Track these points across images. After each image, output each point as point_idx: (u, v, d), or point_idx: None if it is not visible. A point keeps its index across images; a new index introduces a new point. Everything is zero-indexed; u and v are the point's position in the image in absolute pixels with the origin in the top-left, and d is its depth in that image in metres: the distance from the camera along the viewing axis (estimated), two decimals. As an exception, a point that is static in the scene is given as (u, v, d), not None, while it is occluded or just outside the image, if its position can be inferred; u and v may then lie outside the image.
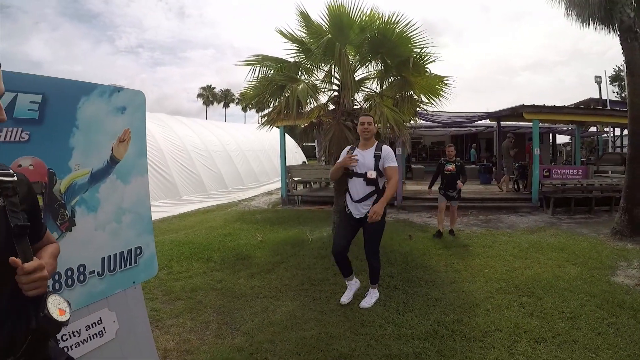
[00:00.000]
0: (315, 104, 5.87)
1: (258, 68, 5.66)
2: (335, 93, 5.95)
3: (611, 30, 6.73)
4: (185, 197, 10.27)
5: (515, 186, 10.59)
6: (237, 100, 51.38)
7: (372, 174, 3.36)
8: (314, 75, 6.12)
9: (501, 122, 12.86)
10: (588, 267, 4.52)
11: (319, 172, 11.57)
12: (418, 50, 5.38)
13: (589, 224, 7.35)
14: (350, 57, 5.69)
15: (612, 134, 20.66)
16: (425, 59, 5.40)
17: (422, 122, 10.97)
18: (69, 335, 1.78)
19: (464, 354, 2.69)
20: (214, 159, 12.33)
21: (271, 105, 6.08)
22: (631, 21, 6.07)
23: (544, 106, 9.26)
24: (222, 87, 57.74)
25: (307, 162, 18.68)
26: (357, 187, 3.44)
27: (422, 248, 5.49)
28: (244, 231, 6.74)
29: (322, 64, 5.94)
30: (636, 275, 4.28)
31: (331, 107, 6.07)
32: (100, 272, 1.95)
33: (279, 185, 11.91)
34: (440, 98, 5.72)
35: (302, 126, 7.18)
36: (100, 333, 1.92)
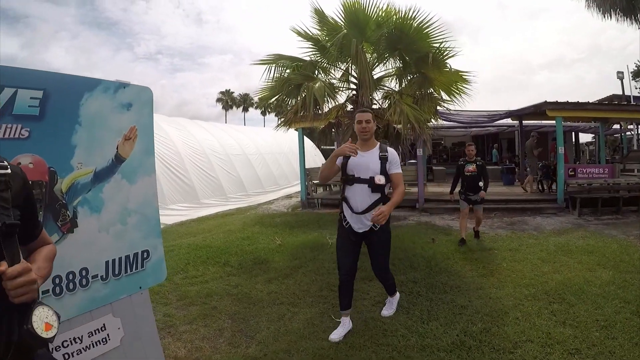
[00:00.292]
0: (333, 104, 5.75)
1: (274, 67, 5.60)
2: (353, 92, 5.80)
3: (633, 21, 6.36)
4: (204, 201, 10.31)
5: (540, 186, 10.22)
6: (255, 104, 51.78)
7: (380, 179, 2.78)
8: (331, 74, 6.00)
9: (523, 121, 12.58)
10: (620, 271, 4.23)
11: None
12: (437, 45, 5.20)
13: (617, 225, 6.96)
14: (368, 55, 5.54)
15: (636, 131, 19.68)
16: (444, 53, 5.21)
17: (443, 122, 10.75)
18: (70, 341, 1.69)
19: (494, 367, 2.47)
20: (233, 162, 12.38)
21: (289, 107, 6.00)
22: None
23: (567, 103, 8.90)
24: (241, 92, 58.09)
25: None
26: (359, 196, 2.84)
27: (446, 252, 5.25)
28: (262, 235, 6.64)
29: (339, 62, 5.82)
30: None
31: (349, 107, 5.93)
32: (104, 276, 1.85)
33: (298, 188, 11.82)
34: (462, 94, 5.49)
35: (320, 127, 7.06)
36: (104, 340, 1.83)
